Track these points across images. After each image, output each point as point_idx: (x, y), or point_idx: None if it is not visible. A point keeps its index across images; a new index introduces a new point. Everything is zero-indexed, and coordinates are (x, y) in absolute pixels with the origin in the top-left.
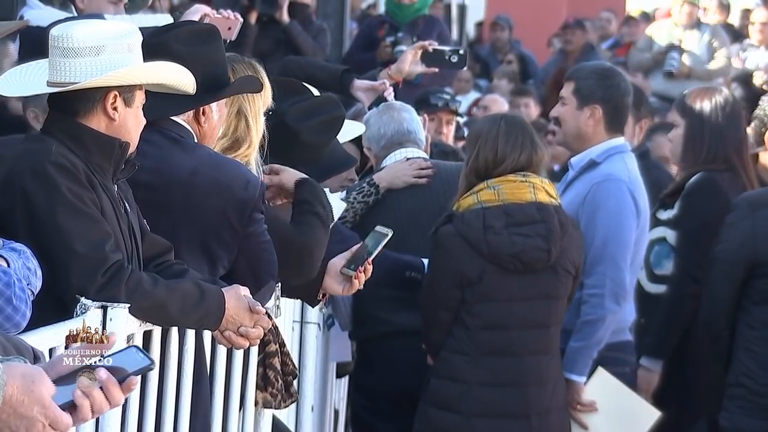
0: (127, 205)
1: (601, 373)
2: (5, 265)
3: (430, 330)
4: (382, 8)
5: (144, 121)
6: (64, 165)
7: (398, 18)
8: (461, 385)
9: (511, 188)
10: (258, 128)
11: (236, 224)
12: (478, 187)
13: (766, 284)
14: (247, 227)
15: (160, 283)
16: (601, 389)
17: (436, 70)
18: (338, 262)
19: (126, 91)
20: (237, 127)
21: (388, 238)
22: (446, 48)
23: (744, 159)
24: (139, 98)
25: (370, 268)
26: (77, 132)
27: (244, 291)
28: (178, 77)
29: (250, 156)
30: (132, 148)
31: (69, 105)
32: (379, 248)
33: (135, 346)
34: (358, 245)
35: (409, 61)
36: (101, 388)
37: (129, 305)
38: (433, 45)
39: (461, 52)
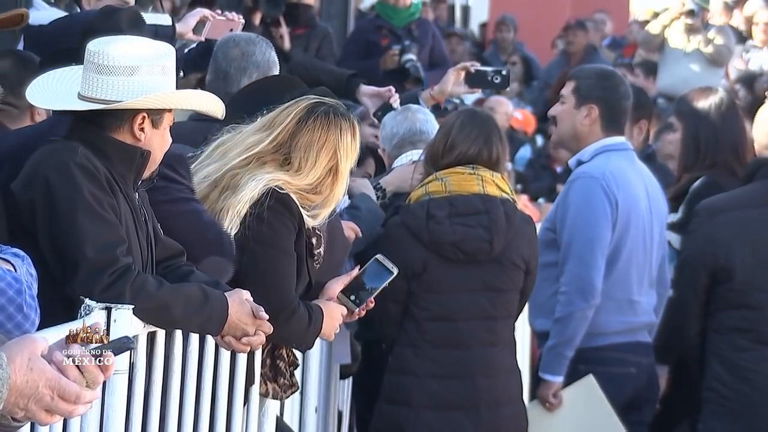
0: (146, 213)
1: (589, 380)
2: (12, 269)
3: (383, 324)
4: None
5: (170, 142)
6: (88, 167)
7: (394, 21)
8: (411, 377)
9: (459, 180)
10: (340, 190)
11: None
12: (428, 179)
13: (728, 289)
14: None
15: (164, 286)
16: (583, 395)
17: (480, 91)
18: (335, 287)
19: (155, 114)
20: (323, 181)
21: (393, 276)
22: (488, 69)
23: (743, 161)
24: (167, 120)
25: (372, 304)
26: (99, 142)
27: (247, 295)
28: (207, 104)
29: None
30: (154, 166)
31: (97, 119)
32: (384, 285)
33: (127, 336)
34: (357, 271)
35: (452, 82)
36: (78, 367)
37: (133, 306)
38: (475, 66)
39: (504, 72)
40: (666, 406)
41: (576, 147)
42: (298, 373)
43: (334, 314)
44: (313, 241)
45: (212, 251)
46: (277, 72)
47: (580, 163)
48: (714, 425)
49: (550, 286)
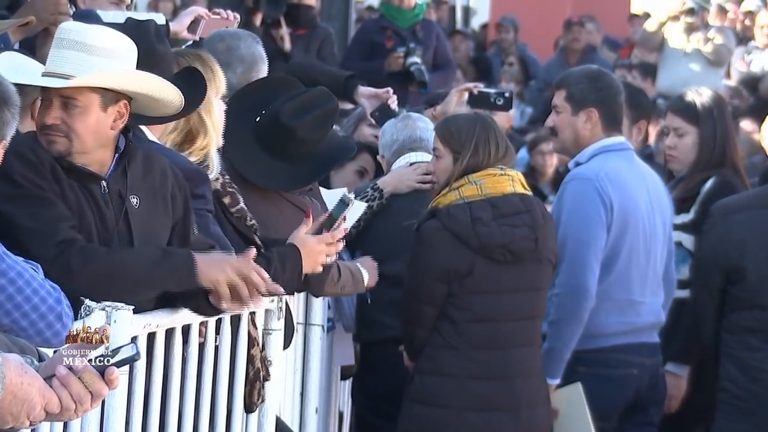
0: (126, 204)
1: (577, 387)
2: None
3: (413, 327)
4: None
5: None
6: (26, 156)
7: (399, 23)
8: (450, 379)
9: (493, 182)
10: (213, 118)
11: None
12: (457, 183)
13: (741, 289)
14: None
15: (120, 250)
16: (567, 400)
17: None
18: (305, 236)
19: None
20: (189, 119)
21: (351, 206)
22: (492, 90)
23: (740, 161)
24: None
25: (340, 233)
26: None
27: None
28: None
29: (208, 148)
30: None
31: None
32: (344, 214)
33: (134, 342)
34: (324, 216)
35: (454, 102)
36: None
37: (132, 308)
38: (478, 87)
39: (506, 95)
40: (683, 407)
41: (578, 151)
42: (298, 373)
43: (313, 249)
44: (226, 201)
45: None
46: (264, 66)
47: (576, 164)
48: (726, 425)
49: None
